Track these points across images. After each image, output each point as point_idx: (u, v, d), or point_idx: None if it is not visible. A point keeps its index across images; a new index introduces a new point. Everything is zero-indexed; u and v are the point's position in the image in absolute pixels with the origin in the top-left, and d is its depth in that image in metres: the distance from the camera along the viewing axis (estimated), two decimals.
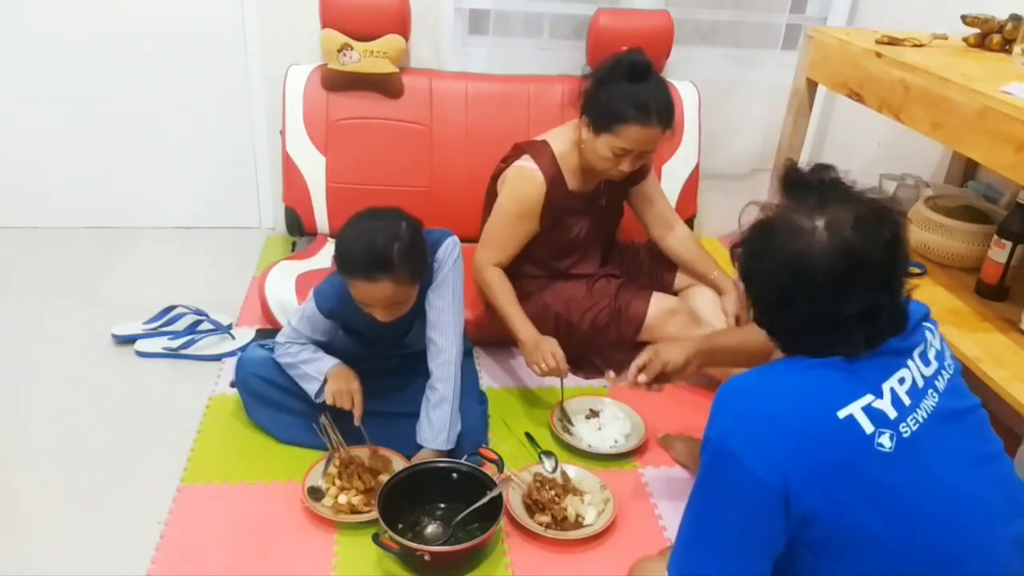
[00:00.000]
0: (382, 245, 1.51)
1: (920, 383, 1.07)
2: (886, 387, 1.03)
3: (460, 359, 1.73)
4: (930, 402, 1.07)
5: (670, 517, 1.70)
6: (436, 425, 1.69)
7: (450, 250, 1.70)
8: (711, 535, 1.07)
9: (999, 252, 1.71)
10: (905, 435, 1.01)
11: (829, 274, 1.01)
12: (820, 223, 1.03)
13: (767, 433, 1.01)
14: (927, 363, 1.10)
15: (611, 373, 1.79)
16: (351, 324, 1.78)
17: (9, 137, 2.65)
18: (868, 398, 1.01)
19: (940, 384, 1.10)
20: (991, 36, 1.91)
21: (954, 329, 1.63)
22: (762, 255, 1.07)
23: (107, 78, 2.60)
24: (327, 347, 1.80)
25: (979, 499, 1.05)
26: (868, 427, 1.00)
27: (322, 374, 1.73)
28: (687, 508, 1.10)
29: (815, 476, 0.99)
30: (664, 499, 1.75)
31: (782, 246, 1.04)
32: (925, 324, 1.15)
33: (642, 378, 1.60)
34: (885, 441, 1.00)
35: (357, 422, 1.71)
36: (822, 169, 1.12)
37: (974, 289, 1.79)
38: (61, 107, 2.62)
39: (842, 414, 1.00)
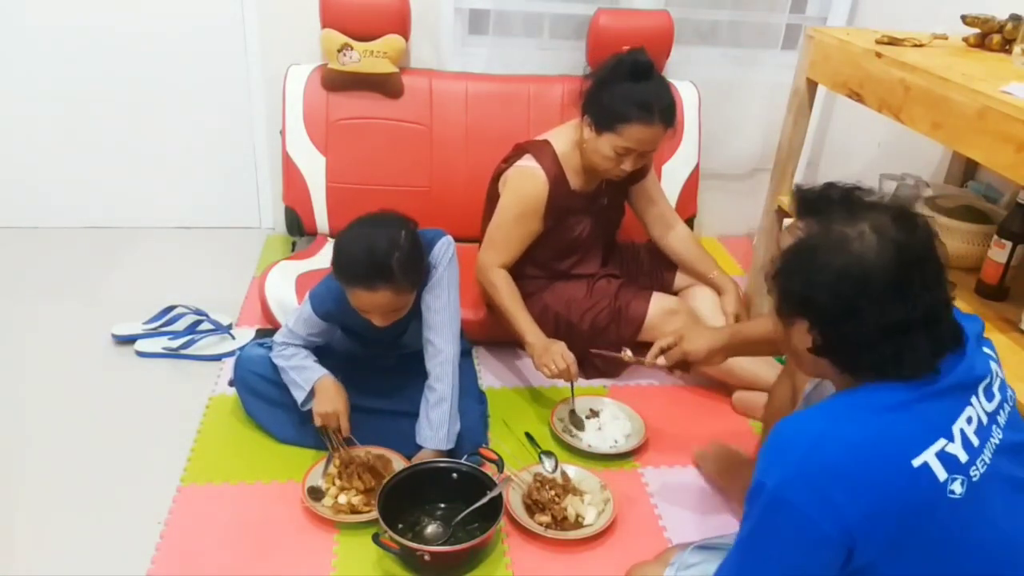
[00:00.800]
0: (382, 254, 1.51)
1: (984, 420, 1.02)
2: (956, 429, 0.98)
3: (458, 358, 1.73)
4: (995, 439, 1.02)
5: (670, 517, 1.70)
6: (435, 424, 1.69)
7: (444, 250, 1.70)
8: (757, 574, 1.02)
9: (999, 252, 1.71)
10: (975, 479, 0.97)
11: (887, 275, 0.98)
12: (864, 228, 0.99)
13: (835, 485, 0.94)
14: (991, 397, 1.05)
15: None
16: (348, 326, 1.78)
17: (9, 137, 2.65)
18: (941, 443, 0.96)
19: (1002, 419, 1.05)
20: (991, 36, 1.91)
21: None
22: (814, 274, 1.01)
23: (107, 78, 2.60)
24: (324, 348, 1.81)
25: None
26: (942, 474, 0.95)
27: (310, 384, 1.73)
28: (734, 551, 1.05)
29: (882, 528, 0.94)
30: (664, 499, 1.75)
31: (832, 259, 1.00)
32: (987, 351, 1.10)
33: (661, 360, 1.58)
34: (957, 488, 0.95)
35: (344, 436, 1.71)
36: (832, 186, 1.09)
37: (974, 289, 1.79)
38: (61, 107, 2.63)
39: (916, 463, 0.94)
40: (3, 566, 1.49)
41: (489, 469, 1.65)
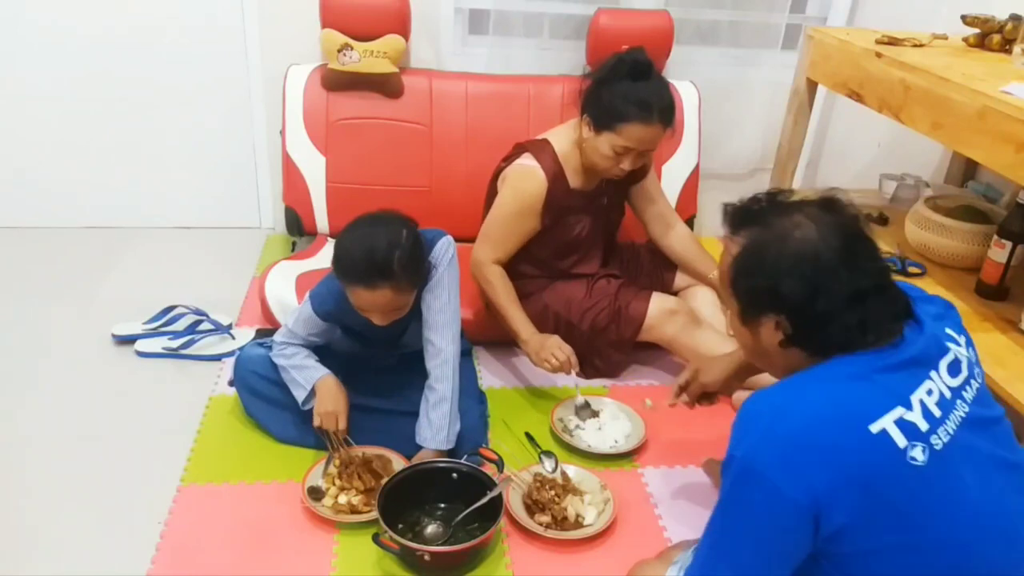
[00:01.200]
0: (383, 253, 1.51)
1: (948, 394, 1.05)
2: (915, 399, 1.02)
3: (458, 358, 1.73)
4: (959, 412, 1.05)
5: (670, 517, 1.70)
6: (435, 425, 1.69)
7: (444, 250, 1.70)
8: (734, 554, 1.05)
9: (999, 252, 1.71)
10: (937, 447, 0.99)
11: (835, 251, 1.05)
12: (799, 218, 1.08)
13: (798, 452, 0.98)
14: (955, 373, 1.08)
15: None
16: (348, 326, 1.78)
17: (9, 137, 2.65)
18: (899, 411, 1.00)
19: (968, 394, 1.08)
20: (991, 36, 1.91)
21: None
22: (773, 267, 1.07)
23: (107, 78, 2.60)
24: (324, 348, 1.81)
25: (1007, 513, 1.04)
26: (901, 441, 0.98)
27: (310, 383, 1.73)
28: (708, 526, 1.08)
29: (847, 493, 0.97)
30: (664, 499, 1.75)
31: (783, 248, 1.07)
32: (949, 332, 1.13)
33: (684, 398, 1.63)
34: (918, 455, 0.98)
35: (342, 438, 1.71)
36: (755, 197, 1.17)
37: (974, 289, 1.79)
38: (61, 107, 2.62)
39: (875, 428, 0.98)
40: (4, 566, 1.49)
41: (489, 469, 1.65)
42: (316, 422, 1.71)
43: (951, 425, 1.03)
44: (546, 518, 1.62)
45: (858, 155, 2.76)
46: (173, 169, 2.77)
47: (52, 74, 2.58)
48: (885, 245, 2.00)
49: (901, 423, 0.99)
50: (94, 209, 2.78)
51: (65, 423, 1.86)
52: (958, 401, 1.06)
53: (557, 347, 1.91)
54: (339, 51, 2.40)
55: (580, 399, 1.96)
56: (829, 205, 1.11)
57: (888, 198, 2.30)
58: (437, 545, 1.53)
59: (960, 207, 1.95)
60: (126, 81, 2.61)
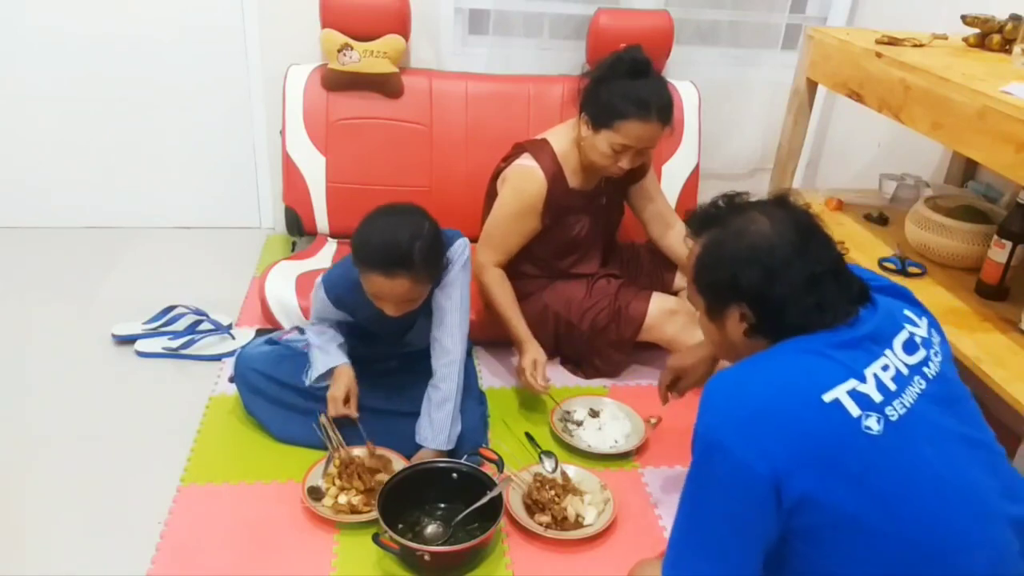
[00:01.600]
0: (405, 242, 1.52)
1: (904, 371, 1.08)
2: (869, 373, 1.05)
3: (464, 360, 1.74)
4: (916, 388, 1.08)
5: (670, 517, 1.68)
6: (437, 425, 1.69)
7: (460, 251, 1.70)
8: (703, 528, 1.07)
9: (999, 252, 1.71)
10: (892, 418, 1.02)
11: (788, 241, 1.11)
12: (753, 215, 1.15)
13: (755, 423, 1.02)
14: (912, 351, 1.12)
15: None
16: (356, 315, 1.78)
17: (9, 137, 2.65)
18: (852, 383, 1.03)
19: (929, 371, 1.11)
20: (991, 36, 1.91)
21: (954, 329, 1.63)
22: (732, 259, 1.13)
23: (107, 78, 2.60)
24: None
25: (971, 486, 1.05)
26: (855, 411, 1.01)
27: (326, 367, 1.75)
28: (680, 503, 1.11)
29: (805, 463, 0.99)
30: (664, 499, 1.75)
31: (740, 242, 1.13)
32: (908, 314, 1.18)
33: (674, 395, 1.69)
34: (872, 424, 1.01)
35: (354, 414, 1.73)
36: (714, 202, 1.23)
37: (974, 289, 1.79)
38: (61, 107, 2.63)
39: (827, 398, 1.01)
40: (4, 566, 1.49)
41: (489, 469, 1.65)
42: (330, 405, 1.74)
43: (908, 399, 1.05)
44: (546, 518, 1.63)
45: (858, 155, 2.75)
46: (173, 169, 2.77)
47: (52, 74, 2.58)
48: (885, 245, 2.00)
49: (854, 394, 1.02)
50: (94, 209, 2.78)
51: (65, 423, 1.86)
52: (916, 377, 1.09)
53: (540, 375, 1.92)
54: (339, 51, 2.40)
55: (560, 411, 1.96)
56: (782, 202, 1.18)
57: (888, 198, 2.30)
58: (437, 545, 1.53)
59: (960, 207, 1.95)
60: (126, 81, 2.61)
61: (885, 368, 1.07)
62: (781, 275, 1.09)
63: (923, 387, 1.08)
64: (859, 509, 1.00)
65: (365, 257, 1.56)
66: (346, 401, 1.74)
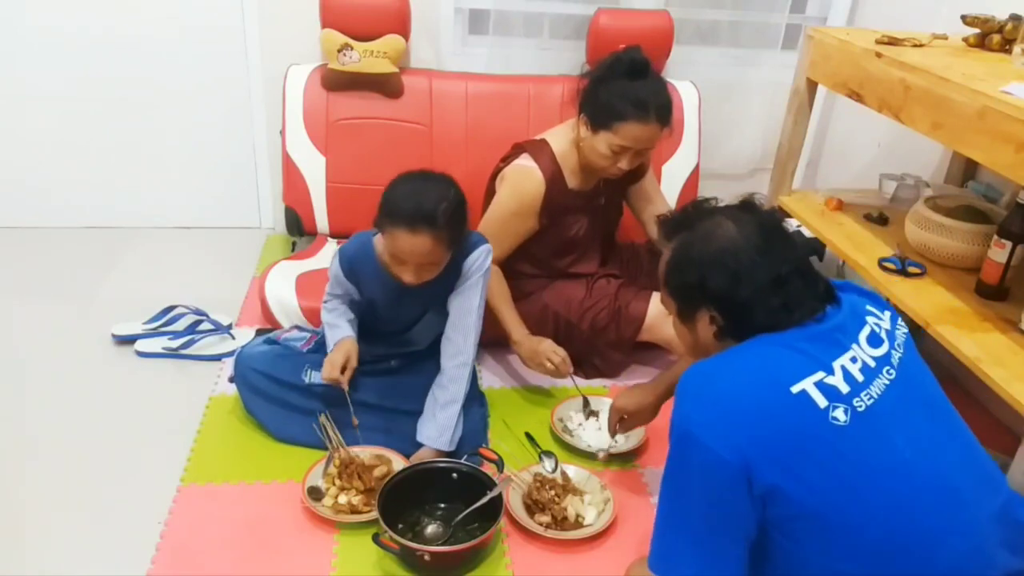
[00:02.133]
0: (431, 200, 1.56)
1: (871, 363, 1.10)
2: (836, 365, 1.07)
3: (473, 364, 1.76)
4: (885, 379, 1.10)
5: None
6: (441, 425, 1.69)
7: (484, 258, 1.74)
8: (682, 520, 1.09)
9: (999, 252, 1.70)
10: (860, 409, 1.04)
11: (753, 243, 1.14)
12: (719, 219, 1.18)
13: (724, 412, 1.04)
14: (877, 344, 1.14)
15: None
16: (364, 290, 1.78)
17: (9, 137, 2.65)
18: (819, 375, 1.05)
19: (895, 361, 1.13)
20: (991, 36, 1.91)
21: (954, 329, 1.63)
22: (698, 262, 1.16)
23: (107, 78, 2.60)
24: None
25: (944, 475, 1.07)
26: (822, 402, 1.03)
27: (335, 341, 1.76)
28: (660, 496, 1.12)
29: (772, 452, 1.01)
30: None
31: (707, 246, 1.16)
32: (869, 308, 1.20)
33: (616, 436, 1.76)
34: (840, 415, 1.03)
35: (345, 384, 1.71)
36: (684, 208, 1.28)
37: (974, 289, 1.79)
38: (61, 107, 2.63)
39: (795, 389, 1.04)
40: (4, 566, 1.49)
41: (489, 469, 1.65)
42: (325, 371, 1.73)
43: (875, 390, 1.08)
44: (546, 518, 1.63)
45: (858, 155, 2.75)
46: (173, 169, 2.77)
47: (52, 74, 2.58)
48: (885, 245, 2.00)
49: (821, 385, 1.04)
50: (94, 209, 2.78)
51: (65, 423, 1.86)
52: (885, 368, 1.11)
53: (551, 351, 1.91)
54: (339, 51, 2.40)
55: (581, 399, 1.96)
56: (747, 206, 1.22)
57: (888, 198, 2.30)
58: (437, 545, 1.53)
59: (960, 207, 1.95)
60: (126, 81, 2.61)
61: (853, 360, 1.09)
62: (746, 277, 1.12)
63: (891, 378, 1.10)
64: (827, 499, 1.02)
65: (391, 211, 1.58)
66: (343, 370, 1.72)
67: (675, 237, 1.22)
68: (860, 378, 1.07)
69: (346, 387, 1.72)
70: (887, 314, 1.22)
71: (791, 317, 1.11)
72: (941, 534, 1.04)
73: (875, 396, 1.07)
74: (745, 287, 1.12)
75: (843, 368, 1.07)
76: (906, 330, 1.22)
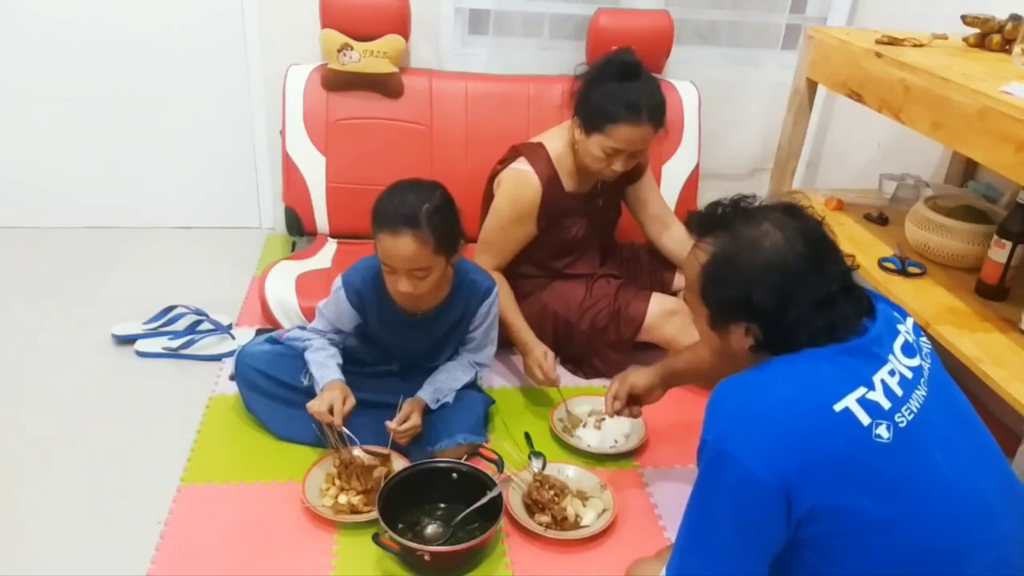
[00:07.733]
0: (412, 202, 1.58)
1: (908, 375, 1.07)
2: (876, 379, 1.04)
3: (474, 378, 1.90)
4: (921, 392, 1.07)
5: (670, 517, 1.70)
6: (440, 388, 1.81)
7: (495, 301, 1.84)
8: (711, 538, 1.06)
9: (999, 252, 1.70)
10: (902, 425, 1.01)
11: (802, 257, 1.07)
12: (766, 226, 1.10)
13: (765, 432, 1.00)
14: (911, 354, 1.11)
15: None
16: (369, 317, 1.78)
17: (9, 137, 2.65)
18: (861, 390, 1.02)
19: (925, 374, 1.11)
20: (991, 36, 1.91)
21: (954, 329, 1.63)
22: (743, 276, 1.09)
23: (107, 78, 2.60)
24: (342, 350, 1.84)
25: (978, 488, 1.05)
26: (865, 419, 1.00)
27: (323, 382, 1.74)
28: (686, 511, 1.09)
29: (816, 473, 0.98)
30: (664, 499, 1.74)
31: (753, 258, 1.08)
32: (896, 316, 1.17)
33: (617, 405, 1.66)
34: (883, 432, 1.00)
35: (337, 422, 1.68)
36: (717, 203, 1.19)
37: (974, 289, 1.79)
38: (61, 107, 2.63)
39: (838, 407, 1.00)
40: (4, 566, 1.49)
41: (489, 469, 1.65)
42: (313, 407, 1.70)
43: (915, 404, 1.05)
44: (546, 518, 1.62)
45: (858, 155, 2.75)
46: (173, 169, 2.77)
47: (52, 74, 2.58)
48: (885, 245, 2.00)
49: (863, 402, 1.01)
50: (94, 209, 2.78)
51: (65, 423, 1.86)
52: (920, 380, 1.08)
53: (537, 365, 1.93)
54: (339, 51, 2.40)
55: (562, 409, 1.96)
56: (792, 210, 1.13)
57: (888, 198, 2.30)
58: (437, 545, 1.53)
59: (960, 207, 1.95)
60: (126, 81, 2.61)
61: (892, 373, 1.05)
62: (795, 297, 1.06)
63: (926, 391, 1.07)
64: (871, 516, 0.99)
65: (376, 218, 1.60)
66: (330, 411, 1.69)
67: (710, 236, 1.14)
68: (899, 392, 1.04)
69: (339, 423, 1.69)
70: (909, 321, 1.19)
71: (833, 337, 1.07)
72: (976, 548, 1.02)
73: (914, 411, 1.04)
74: (792, 308, 1.06)
75: (883, 383, 1.03)
76: (927, 338, 1.19)
